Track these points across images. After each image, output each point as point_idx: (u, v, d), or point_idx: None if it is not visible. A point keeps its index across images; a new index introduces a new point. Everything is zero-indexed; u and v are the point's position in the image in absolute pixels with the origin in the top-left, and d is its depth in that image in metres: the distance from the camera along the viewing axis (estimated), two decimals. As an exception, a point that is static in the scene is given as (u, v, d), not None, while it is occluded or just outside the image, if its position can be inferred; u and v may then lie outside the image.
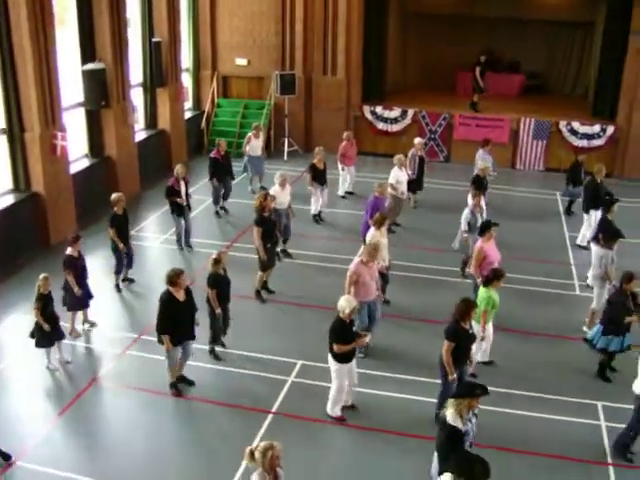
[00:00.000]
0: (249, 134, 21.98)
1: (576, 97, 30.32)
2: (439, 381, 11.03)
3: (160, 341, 11.53)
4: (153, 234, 18.53)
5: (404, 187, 19.08)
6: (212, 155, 20.03)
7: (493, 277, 12.13)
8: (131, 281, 15.78)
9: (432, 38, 30.02)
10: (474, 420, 8.62)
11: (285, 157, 25.15)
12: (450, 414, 8.39)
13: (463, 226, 15.82)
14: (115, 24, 19.51)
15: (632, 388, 10.41)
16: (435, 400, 11.10)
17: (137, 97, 22.57)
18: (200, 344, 12.64)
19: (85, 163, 19.88)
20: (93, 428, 11.09)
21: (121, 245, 15.07)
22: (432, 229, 19.18)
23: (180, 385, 12.02)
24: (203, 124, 26.38)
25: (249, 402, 11.65)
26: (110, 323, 14.15)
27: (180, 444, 10.78)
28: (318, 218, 19.73)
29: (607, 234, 14.44)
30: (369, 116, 25.92)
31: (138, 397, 11.86)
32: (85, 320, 13.93)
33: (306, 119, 26.30)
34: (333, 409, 11.33)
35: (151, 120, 23.44)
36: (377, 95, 27.13)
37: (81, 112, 19.73)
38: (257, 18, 26.12)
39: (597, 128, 24.65)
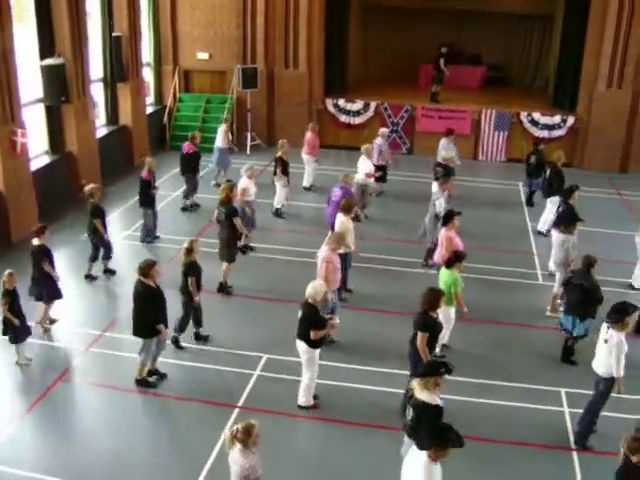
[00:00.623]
0: (223, 127, 21.92)
1: (537, 89, 30.74)
2: (408, 372, 11.08)
3: (148, 335, 11.59)
4: (116, 230, 18.31)
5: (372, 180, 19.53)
6: (186, 150, 19.71)
7: (455, 259, 12.45)
8: (112, 272, 15.83)
9: (393, 31, 30.19)
10: None
11: (248, 151, 25.07)
12: (425, 395, 8.64)
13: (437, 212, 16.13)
14: (74, 18, 19.27)
15: (592, 367, 10.70)
16: (402, 390, 11.16)
17: (98, 92, 22.40)
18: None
19: (46, 160, 19.64)
20: (59, 426, 10.95)
21: (106, 235, 15.37)
22: (396, 220, 19.28)
23: (153, 378, 12.02)
24: (165, 119, 26.22)
25: (215, 397, 11.63)
26: (72, 320, 13.99)
27: (146, 440, 10.71)
28: (280, 211, 19.70)
29: (568, 220, 14.66)
30: (331, 109, 25.98)
31: (104, 394, 11.75)
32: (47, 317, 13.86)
33: (268, 113, 26.27)
34: (307, 399, 11.40)
35: (112, 116, 23.24)
36: (339, 88, 27.19)
37: (41, 108, 19.50)
38: (218, 10, 26.04)
39: (557, 119, 24.95)
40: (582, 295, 12.32)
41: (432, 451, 7.29)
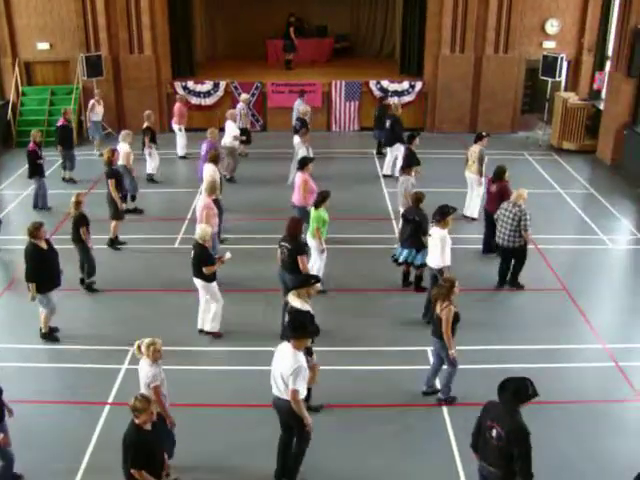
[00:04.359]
0: (92, 101, 23.26)
1: (384, 57, 31.24)
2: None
3: (44, 291, 12.40)
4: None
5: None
6: (60, 124, 20.75)
7: (321, 199, 13.92)
8: None
9: (239, 9, 29.88)
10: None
11: (102, 138, 24.26)
12: (298, 303, 10.30)
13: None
14: None
15: (427, 263, 13.15)
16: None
17: None
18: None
19: None
20: None
21: None
22: (257, 202, 19.12)
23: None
24: (9, 115, 25.12)
25: (84, 396, 11.34)
26: None
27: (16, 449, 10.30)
28: (154, 177, 20.77)
29: (406, 163, 16.66)
30: (181, 91, 25.44)
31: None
32: None
33: (117, 100, 25.55)
34: (213, 326, 12.83)
35: (-50, 115, 22.16)
36: (187, 70, 26.75)
37: None
38: (55, -4, 25.09)
39: (406, 85, 25.51)
40: (414, 228, 13.67)
41: (294, 341, 8.81)
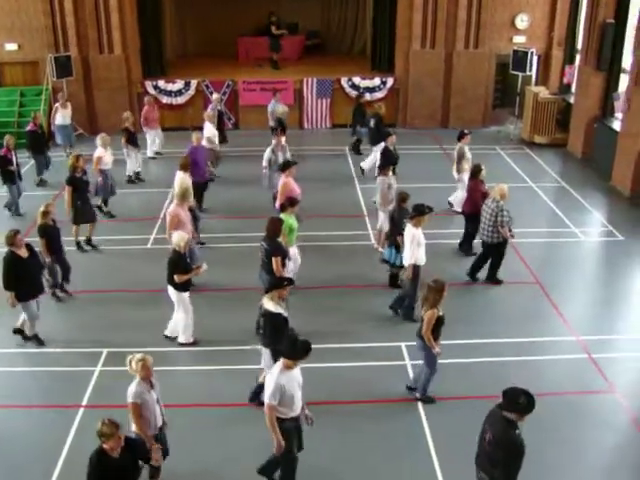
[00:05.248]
0: (56, 105, 22.69)
1: (356, 53, 31.25)
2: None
3: (22, 299, 12.28)
4: None
5: (216, 140, 20.19)
6: (29, 129, 20.46)
7: (288, 204, 13.58)
8: None
9: (209, 7, 29.70)
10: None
11: (71, 142, 24.08)
12: (271, 306, 10.17)
13: (264, 163, 17.46)
14: None
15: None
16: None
17: None
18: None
19: None
20: None
21: None
22: (232, 201, 19.08)
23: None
24: (-22, 117, 24.89)
25: (57, 400, 11.23)
26: None
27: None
28: (135, 179, 20.76)
29: (382, 163, 16.56)
30: (152, 91, 25.27)
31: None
32: None
33: (88, 100, 25.28)
34: (186, 337, 12.51)
35: None
36: (158, 69, 26.54)
37: None
38: (21, -3, 24.81)
39: (377, 81, 25.56)
40: (394, 227, 13.68)
41: (286, 360, 8.57)
